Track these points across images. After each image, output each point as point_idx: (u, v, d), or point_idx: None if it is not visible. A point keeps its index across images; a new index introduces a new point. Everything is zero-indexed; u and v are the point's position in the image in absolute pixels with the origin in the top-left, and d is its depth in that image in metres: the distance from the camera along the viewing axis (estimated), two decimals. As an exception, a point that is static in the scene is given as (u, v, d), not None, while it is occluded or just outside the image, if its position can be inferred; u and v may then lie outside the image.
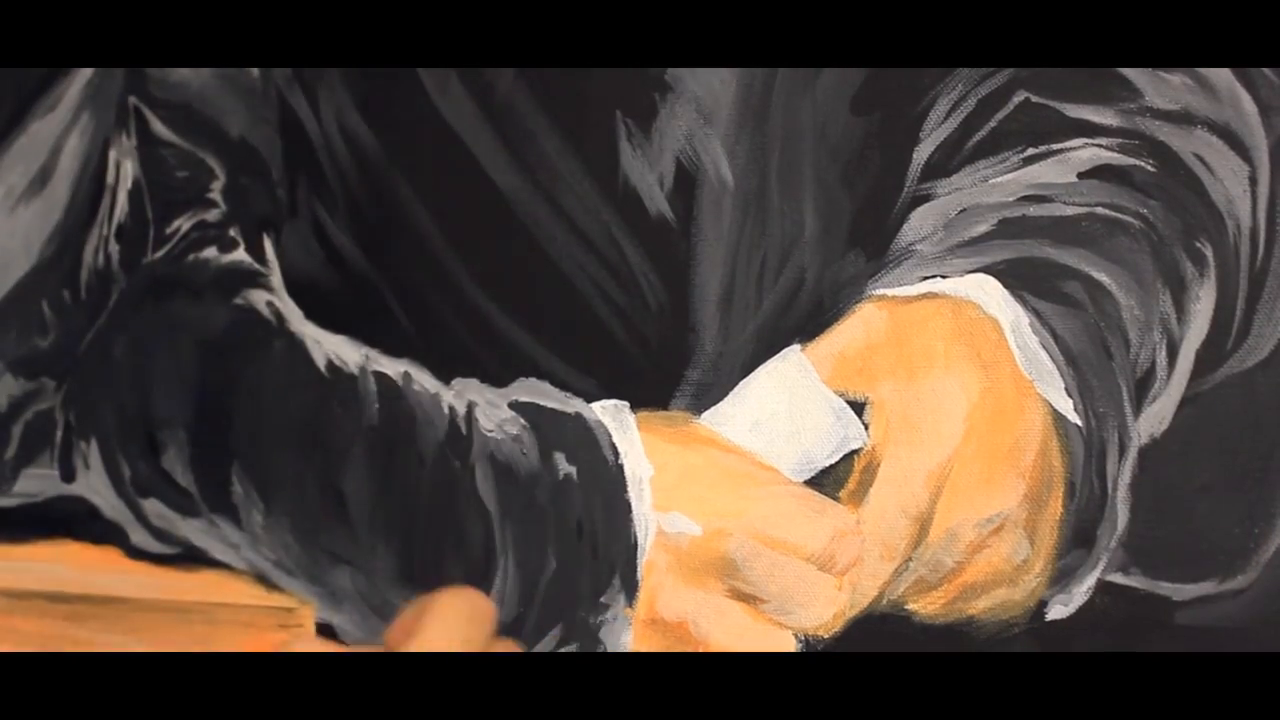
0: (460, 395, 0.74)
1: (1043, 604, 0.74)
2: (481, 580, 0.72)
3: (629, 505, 0.72)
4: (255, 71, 0.77)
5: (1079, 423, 0.73)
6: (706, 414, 0.75)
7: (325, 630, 0.74)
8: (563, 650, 0.73)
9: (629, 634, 0.72)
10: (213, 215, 0.76)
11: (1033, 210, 0.75)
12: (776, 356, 0.75)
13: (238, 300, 0.75)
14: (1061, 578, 0.73)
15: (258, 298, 0.75)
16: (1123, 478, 0.74)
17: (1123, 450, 0.74)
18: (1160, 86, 0.76)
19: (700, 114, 0.76)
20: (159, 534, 0.74)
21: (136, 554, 0.75)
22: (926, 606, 0.74)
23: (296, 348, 0.74)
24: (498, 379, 0.75)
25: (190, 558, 0.74)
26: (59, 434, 0.74)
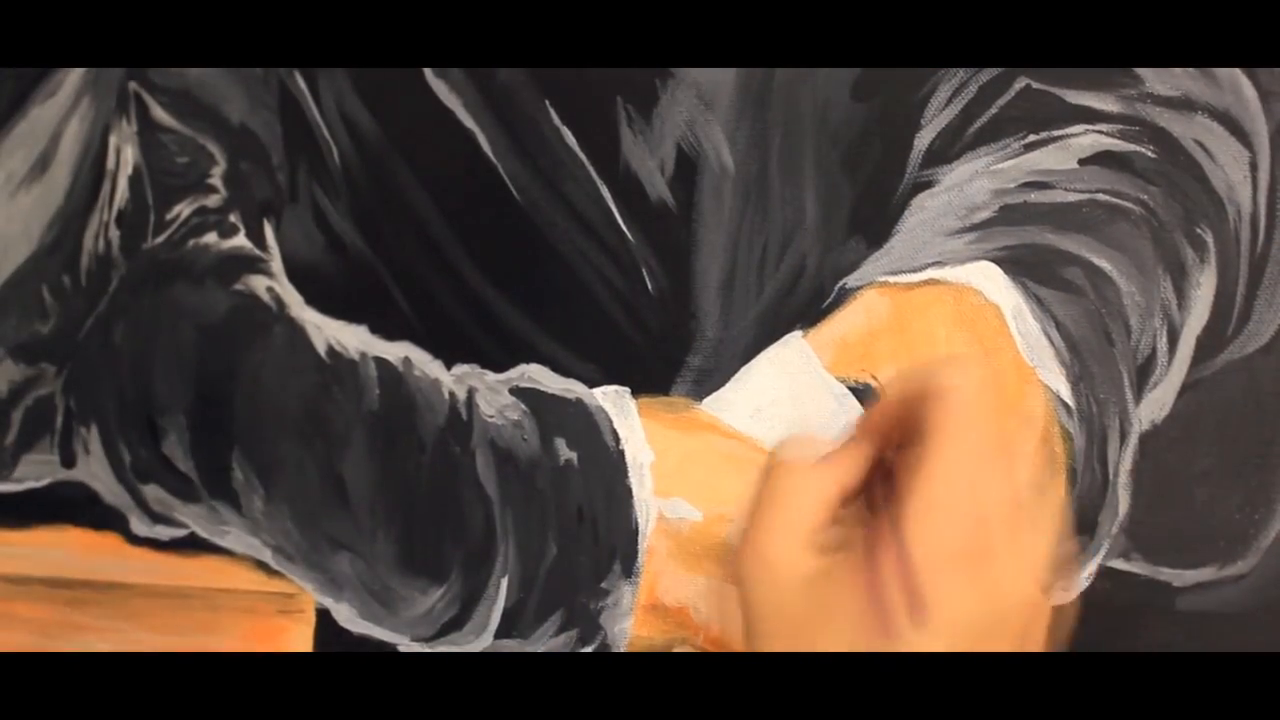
0: (461, 381, 0.74)
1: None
2: (482, 566, 0.72)
3: (630, 491, 0.72)
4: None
5: (1080, 409, 0.73)
6: (708, 400, 0.75)
7: (325, 617, 0.74)
8: (563, 641, 0.73)
9: (630, 619, 0.72)
10: (213, 201, 0.76)
11: (1034, 196, 0.75)
12: (778, 342, 0.75)
13: (238, 286, 0.75)
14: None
15: (258, 283, 0.75)
16: (1124, 464, 0.74)
17: (1124, 436, 0.74)
18: (1161, 73, 0.76)
19: (701, 100, 0.76)
20: (159, 519, 0.74)
21: (137, 539, 0.75)
22: (927, 592, 0.73)
23: (297, 333, 0.74)
24: (498, 364, 0.75)
25: (191, 543, 0.74)
26: (59, 419, 0.74)
